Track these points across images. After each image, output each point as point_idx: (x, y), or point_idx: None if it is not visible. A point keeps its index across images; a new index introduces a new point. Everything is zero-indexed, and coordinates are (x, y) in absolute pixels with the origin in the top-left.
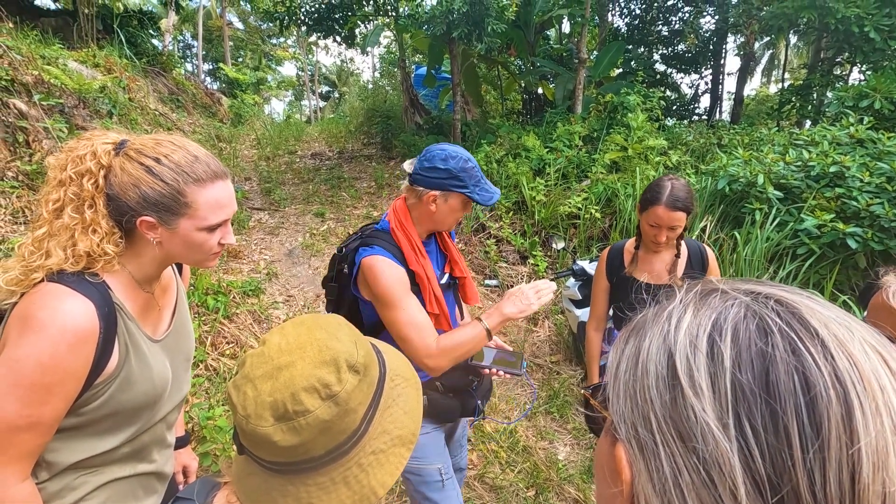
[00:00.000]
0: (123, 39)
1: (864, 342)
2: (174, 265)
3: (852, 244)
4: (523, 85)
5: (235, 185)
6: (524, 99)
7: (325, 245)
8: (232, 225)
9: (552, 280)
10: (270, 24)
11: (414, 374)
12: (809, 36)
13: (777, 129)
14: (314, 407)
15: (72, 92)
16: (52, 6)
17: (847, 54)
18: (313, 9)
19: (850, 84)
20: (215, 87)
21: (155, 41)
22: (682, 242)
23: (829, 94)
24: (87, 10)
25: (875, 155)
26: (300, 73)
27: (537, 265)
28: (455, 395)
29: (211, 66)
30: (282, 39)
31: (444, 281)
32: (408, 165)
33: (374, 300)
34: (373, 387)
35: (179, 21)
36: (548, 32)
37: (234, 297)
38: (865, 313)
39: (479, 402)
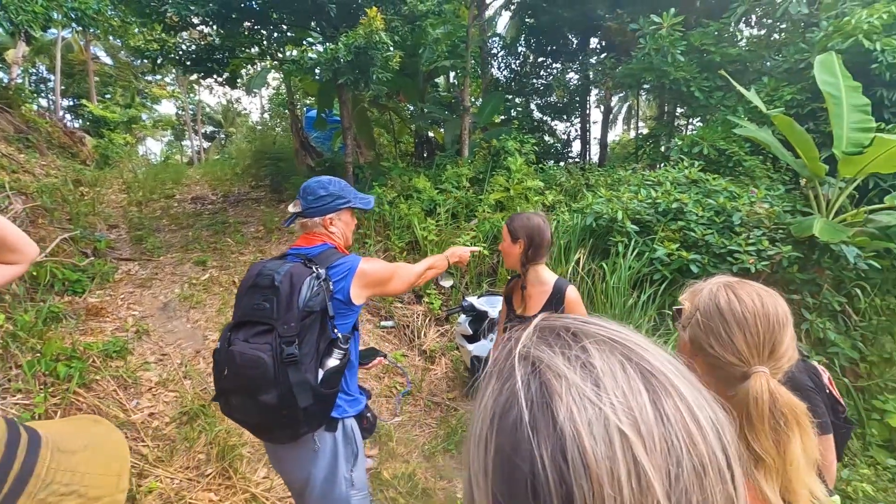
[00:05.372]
0: None
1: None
2: None
3: (694, 269)
4: (415, 129)
5: (98, 233)
6: (416, 143)
7: (207, 295)
8: (92, 280)
9: (445, 315)
10: (145, 61)
11: (116, 493)
12: (654, 92)
13: (632, 170)
14: None
15: None
16: None
17: (683, 109)
18: (191, 48)
19: (685, 133)
20: (77, 125)
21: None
22: (546, 277)
23: (674, 141)
24: None
25: (705, 193)
26: (180, 111)
27: (432, 303)
28: (368, 407)
29: (72, 103)
30: (158, 77)
31: None
32: (292, 207)
33: (378, 282)
34: None
35: (32, 53)
36: (437, 80)
37: (92, 362)
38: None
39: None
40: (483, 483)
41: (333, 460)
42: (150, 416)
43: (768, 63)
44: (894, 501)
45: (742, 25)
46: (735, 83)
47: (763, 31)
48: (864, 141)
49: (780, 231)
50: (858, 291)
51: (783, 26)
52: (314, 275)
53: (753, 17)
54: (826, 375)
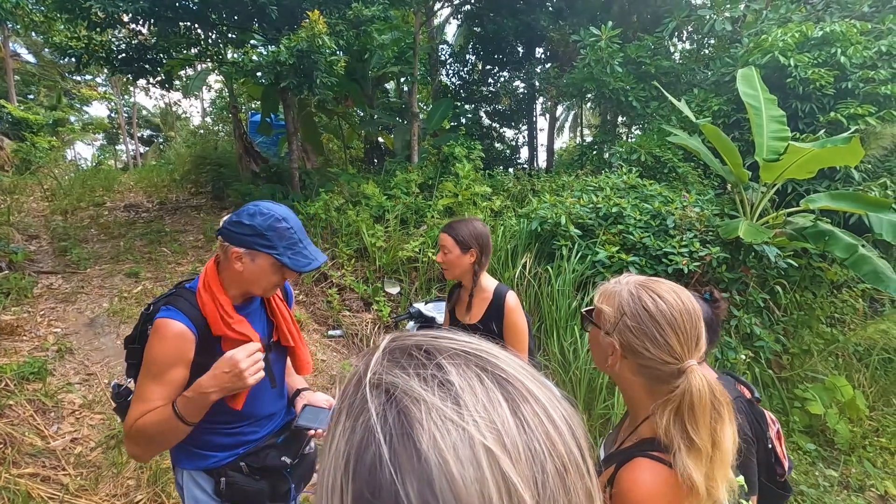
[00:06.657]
0: None
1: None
2: None
3: (633, 271)
4: (364, 135)
5: (13, 245)
6: (366, 148)
7: (139, 309)
8: (7, 296)
9: (393, 322)
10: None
11: None
12: (597, 101)
13: (576, 176)
14: None
15: None
16: None
17: (624, 118)
18: (120, 48)
19: (625, 141)
20: None
21: None
22: (487, 283)
23: (614, 148)
24: None
25: (642, 198)
26: (114, 114)
27: (381, 311)
28: (264, 476)
29: None
30: (88, 77)
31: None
32: (225, 219)
33: (145, 362)
34: None
35: None
36: (386, 86)
37: (5, 385)
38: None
39: (294, 485)
40: None
41: (184, 496)
42: (72, 441)
43: (699, 75)
44: (815, 483)
45: (675, 40)
46: (667, 94)
47: (694, 46)
48: (780, 149)
49: (710, 233)
50: (779, 288)
51: (711, 42)
52: (143, 313)
53: (685, 32)
54: (775, 428)
